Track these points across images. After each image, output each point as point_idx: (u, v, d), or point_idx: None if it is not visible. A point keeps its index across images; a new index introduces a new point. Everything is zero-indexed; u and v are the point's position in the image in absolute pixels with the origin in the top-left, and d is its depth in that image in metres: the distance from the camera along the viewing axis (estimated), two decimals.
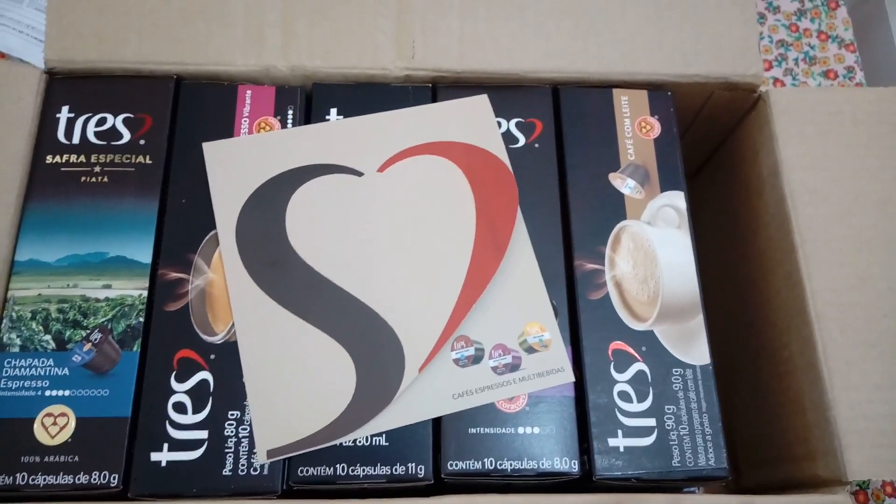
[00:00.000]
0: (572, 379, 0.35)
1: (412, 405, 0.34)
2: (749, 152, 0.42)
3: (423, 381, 0.34)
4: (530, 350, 0.35)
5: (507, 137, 0.39)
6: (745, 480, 0.43)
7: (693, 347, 0.36)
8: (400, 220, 0.37)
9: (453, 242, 0.36)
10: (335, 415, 0.33)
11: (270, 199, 0.36)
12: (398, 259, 0.36)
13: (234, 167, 0.37)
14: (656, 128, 0.40)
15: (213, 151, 0.37)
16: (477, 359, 0.35)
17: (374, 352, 0.34)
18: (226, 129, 0.38)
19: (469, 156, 0.38)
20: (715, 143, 0.47)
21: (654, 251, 0.37)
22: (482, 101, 0.39)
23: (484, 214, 0.37)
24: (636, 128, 0.40)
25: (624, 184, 0.38)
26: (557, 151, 0.39)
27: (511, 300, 0.36)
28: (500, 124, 0.39)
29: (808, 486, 0.36)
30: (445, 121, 0.39)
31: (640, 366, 0.35)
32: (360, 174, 0.37)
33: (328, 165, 0.37)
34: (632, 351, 0.35)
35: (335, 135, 0.38)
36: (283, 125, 0.38)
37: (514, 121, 0.39)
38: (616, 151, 0.39)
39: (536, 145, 0.39)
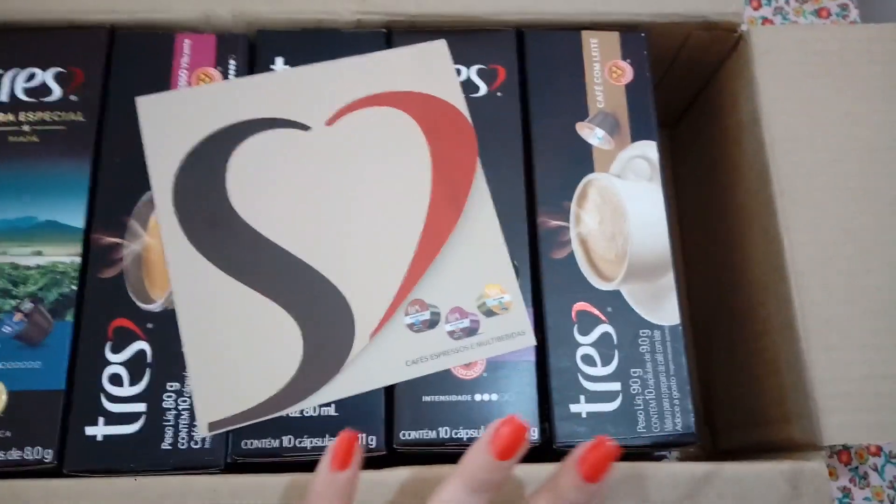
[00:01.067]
0: (534, 342, 0.33)
1: (363, 373, 0.32)
2: (729, 98, 0.39)
3: (374, 347, 0.32)
4: (489, 313, 0.33)
5: (468, 86, 0.36)
6: (723, 443, 0.41)
7: (662, 307, 0.33)
8: (349, 177, 0.34)
9: (407, 200, 0.34)
10: (281, 384, 0.31)
11: (210, 156, 0.34)
12: (348, 219, 0.34)
13: (170, 123, 0.34)
14: (628, 73, 0.37)
15: (148, 106, 0.35)
16: (432, 323, 0.33)
17: (322, 318, 0.32)
18: (163, 82, 0.35)
19: (425, 106, 0.35)
20: (694, 90, 0.44)
21: (622, 206, 0.35)
22: (440, 47, 0.36)
23: (440, 169, 0.34)
24: (606, 73, 0.37)
25: (592, 134, 0.36)
26: (521, 100, 0.36)
27: (469, 260, 0.34)
28: (459, 72, 0.36)
29: (783, 450, 0.34)
30: (400, 69, 0.36)
31: (605, 327, 0.33)
32: (306, 128, 0.35)
33: (272, 119, 0.35)
34: (597, 312, 0.33)
35: (280, 86, 0.35)
36: (225, 76, 0.36)
37: (474, 68, 0.37)
38: (584, 99, 0.36)
39: (499, 94, 0.36)
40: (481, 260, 0.34)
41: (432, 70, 0.36)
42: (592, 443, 0.25)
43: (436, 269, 0.33)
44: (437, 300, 0.33)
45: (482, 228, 0.34)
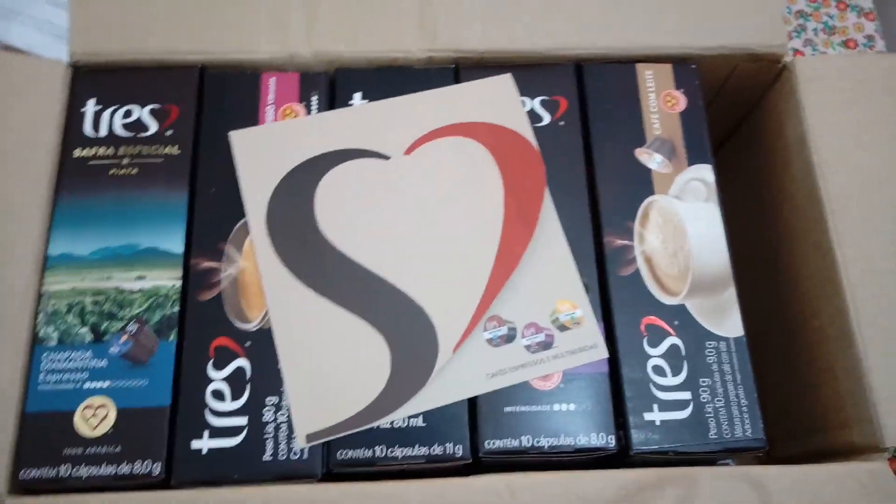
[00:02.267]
0: (606, 355, 0.35)
1: (447, 385, 0.34)
2: (774, 123, 0.42)
3: (457, 361, 0.34)
4: (562, 328, 0.35)
5: (532, 116, 0.39)
6: (778, 451, 0.43)
7: (726, 320, 0.36)
8: (428, 202, 0.37)
9: (482, 223, 0.36)
10: (371, 397, 0.33)
11: (299, 185, 0.36)
12: (428, 241, 0.36)
13: (261, 155, 0.37)
14: (681, 101, 0.39)
15: (240, 140, 0.37)
16: (510, 338, 0.35)
17: (408, 334, 0.34)
18: (251, 117, 0.38)
19: (495, 135, 0.38)
20: (739, 116, 0.46)
21: (682, 225, 0.37)
22: (506, 81, 0.39)
23: (512, 193, 0.37)
24: (661, 102, 0.39)
25: (651, 159, 0.38)
26: (583, 128, 0.39)
27: (541, 278, 0.36)
28: (524, 103, 0.39)
29: (842, 455, 0.36)
30: (469, 101, 0.39)
31: (673, 340, 0.35)
32: (386, 157, 0.37)
33: (354, 150, 0.37)
34: (664, 325, 0.35)
35: (360, 119, 0.38)
36: (308, 111, 0.38)
37: (538, 99, 0.39)
38: (641, 126, 0.39)
39: (561, 123, 0.39)
40: (552, 277, 0.36)
41: (499, 102, 0.39)
42: None
43: (511, 287, 0.36)
44: (513, 316, 0.35)
45: (552, 248, 0.36)
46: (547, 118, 0.39)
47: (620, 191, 0.38)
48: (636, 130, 0.39)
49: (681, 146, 0.38)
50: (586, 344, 0.35)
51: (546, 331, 0.35)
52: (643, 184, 0.38)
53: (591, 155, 0.38)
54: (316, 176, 0.37)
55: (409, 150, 0.37)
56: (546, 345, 0.35)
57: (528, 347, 0.35)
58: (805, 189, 0.39)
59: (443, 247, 0.36)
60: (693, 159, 0.38)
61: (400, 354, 0.34)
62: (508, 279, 0.35)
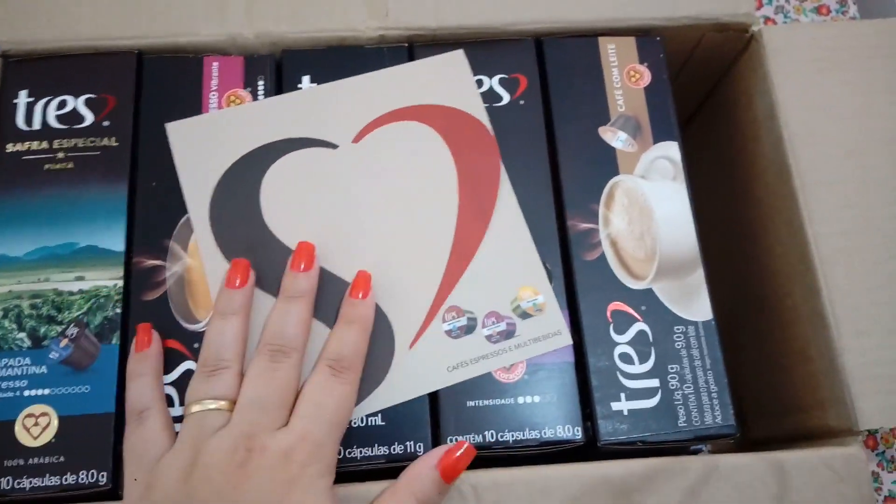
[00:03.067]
0: (570, 341, 0.33)
1: (406, 382, 0.32)
2: (743, 95, 0.40)
3: (415, 356, 0.33)
4: (524, 315, 0.34)
5: (491, 95, 0.37)
6: (753, 433, 0.42)
7: (694, 303, 0.34)
8: (379, 193, 0.35)
9: (436, 211, 0.35)
10: None
11: (243, 179, 0.35)
12: (380, 233, 0.34)
13: (201, 147, 0.35)
14: (646, 76, 0.38)
15: (178, 132, 0.35)
16: (470, 328, 0.33)
17: None
18: (194, 105, 0.36)
19: (447, 119, 0.36)
20: (707, 89, 0.45)
21: (649, 206, 0.36)
22: (458, 57, 0.37)
23: (466, 180, 0.35)
24: (625, 77, 0.38)
25: (615, 137, 0.37)
26: (544, 107, 0.37)
27: (501, 265, 0.34)
28: (482, 82, 0.37)
29: (817, 437, 0.35)
30: (420, 81, 0.37)
31: (640, 326, 0.34)
32: (334, 146, 0.35)
33: (300, 139, 0.35)
34: (631, 311, 0.34)
35: (305, 106, 0.36)
36: (255, 97, 0.36)
37: (496, 77, 0.37)
38: (605, 103, 0.37)
39: (521, 102, 0.37)
40: (513, 264, 0.34)
41: (452, 81, 0.37)
42: (455, 445, 0.30)
43: (469, 275, 0.34)
44: (473, 306, 0.34)
45: (511, 233, 0.35)
46: (506, 97, 0.37)
47: (584, 171, 0.36)
48: (599, 108, 0.37)
49: (646, 123, 0.37)
50: (550, 331, 0.34)
51: (507, 319, 0.34)
52: (607, 163, 0.36)
53: (553, 134, 0.37)
54: (260, 169, 0.35)
55: (357, 138, 0.36)
56: (508, 334, 0.33)
57: (489, 337, 0.33)
58: (775, 164, 0.37)
59: (396, 239, 0.34)
60: (659, 136, 0.37)
61: None
62: (466, 268, 0.34)
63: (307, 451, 0.29)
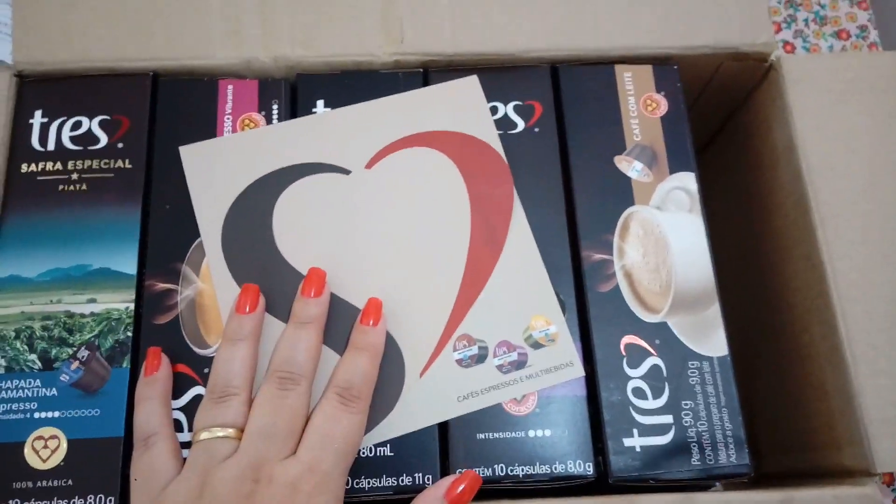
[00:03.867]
0: (582, 373, 0.33)
1: (415, 411, 0.32)
2: (761, 125, 0.40)
3: (425, 385, 0.33)
4: (536, 345, 0.33)
5: (505, 122, 0.37)
6: (766, 467, 0.41)
7: (709, 338, 0.34)
8: (391, 220, 0.35)
9: (448, 239, 0.34)
10: None
11: (255, 204, 0.34)
12: (392, 260, 0.34)
13: (214, 171, 0.35)
14: (663, 105, 0.37)
15: (191, 155, 0.35)
16: (481, 358, 0.33)
17: None
18: (208, 127, 0.36)
19: (460, 146, 0.36)
20: (723, 117, 0.44)
21: (665, 237, 0.35)
22: (471, 83, 0.37)
23: (479, 208, 0.35)
24: (641, 106, 0.37)
25: (630, 167, 0.36)
26: (559, 135, 0.37)
27: (513, 294, 0.34)
28: (496, 109, 0.37)
29: (832, 476, 0.35)
30: (433, 107, 0.36)
31: (654, 360, 0.33)
32: (347, 172, 0.35)
33: (313, 164, 0.35)
34: (645, 345, 0.34)
35: (318, 130, 0.36)
36: (269, 121, 0.36)
37: (511, 104, 0.37)
38: (621, 132, 0.37)
39: (536, 129, 0.37)
40: (525, 293, 0.34)
41: (466, 107, 0.37)
42: (462, 475, 0.30)
43: (481, 304, 0.34)
44: (484, 335, 0.34)
45: (524, 262, 0.34)
46: (521, 125, 0.37)
47: (598, 201, 0.36)
48: (615, 137, 0.37)
49: (662, 153, 0.37)
50: (562, 362, 0.33)
51: (519, 349, 0.33)
52: (622, 193, 0.36)
53: (568, 163, 0.36)
54: (273, 194, 0.35)
55: (370, 164, 0.35)
56: (519, 364, 0.33)
57: (500, 367, 0.33)
58: (794, 197, 0.37)
59: (407, 266, 0.34)
60: (675, 167, 0.36)
61: None
62: (478, 297, 0.34)
63: (314, 482, 0.28)
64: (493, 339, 0.33)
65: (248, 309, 0.31)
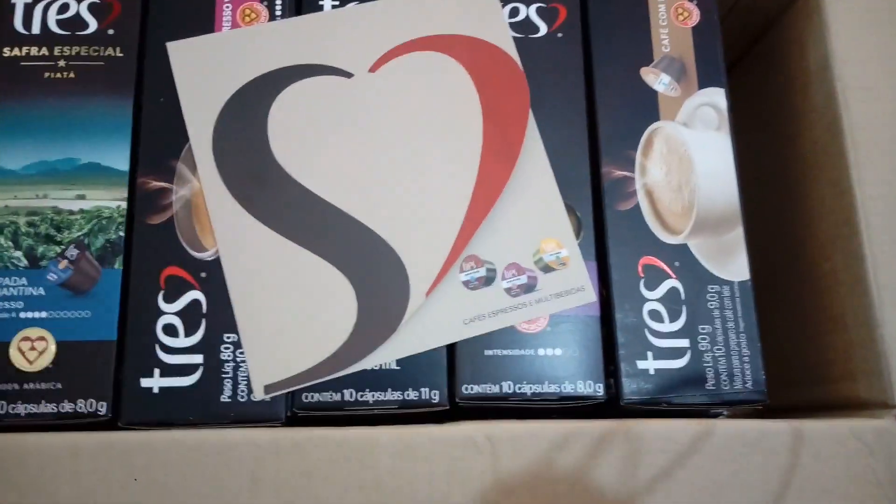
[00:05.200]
0: (594, 298, 0.32)
1: (420, 332, 0.31)
2: (794, 44, 0.38)
3: (430, 306, 0.31)
4: (547, 269, 0.32)
5: (527, 25, 0.34)
6: (775, 400, 0.40)
7: (731, 262, 0.32)
8: (396, 128, 0.32)
9: (458, 152, 0.32)
10: (336, 345, 0.30)
11: (249, 106, 0.32)
12: (397, 172, 0.32)
13: (205, 70, 0.32)
14: (695, 14, 0.35)
15: (180, 52, 0.32)
16: (489, 280, 0.32)
17: (376, 276, 0.31)
18: (205, 17, 0.33)
19: (473, 51, 0.33)
20: (753, 35, 0.42)
21: (689, 156, 0.33)
22: None
23: (492, 119, 0.33)
24: (672, 14, 0.35)
25: (657, 80, 0.34)
26: (583, 42, 0.34)
27: (524, 215, 0.32)
28: (517, 10, 0.34)
29: (844, 408, 0.34)
30: (444, 9, 0.34)
31: (672, 282, 0.32)
32: (349, 75, 0.33)
33: (313, 66, 0.33)
34: (664, 266, 0.32)
35: (318, 30, 0.33)
36: (271, 12, 0.33)
37: (534, 6, 0.35)
38: (649, 42, 0.35)
39: (559, 35, 0.34)
40: (537, 214, 0.32)
41: (479, 10, 0.34)
42: None
43: (490, 224, 0.32)
44: (493, 256, 0.32)
45: (536, 181, 0.33)
46: (543, 28, 0.34)
47: (622, 115, 0.34)
48: (643, 47, 0.35)
49: (692, 66, 0.34)
50: (573, 286, 0.32)
51: (529, 272, 0.32)
52: (648, 108, 0.34)
53: (591, 73, 0.34)
54: (269, 96, 0.32)
55: (374, 67, 0.33)
56: (528, 287, 0.32)
57: (508, 290, 0.32)
58: (825, 119, 0.35)
59: (413, 178, 0.32)
60: (704, 82, 0.34)
61: (367, 298, 0.31)
62: (487, 215, 0.32)
63: None
64: (501, 261, 0.32)
65: None
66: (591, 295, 0.32)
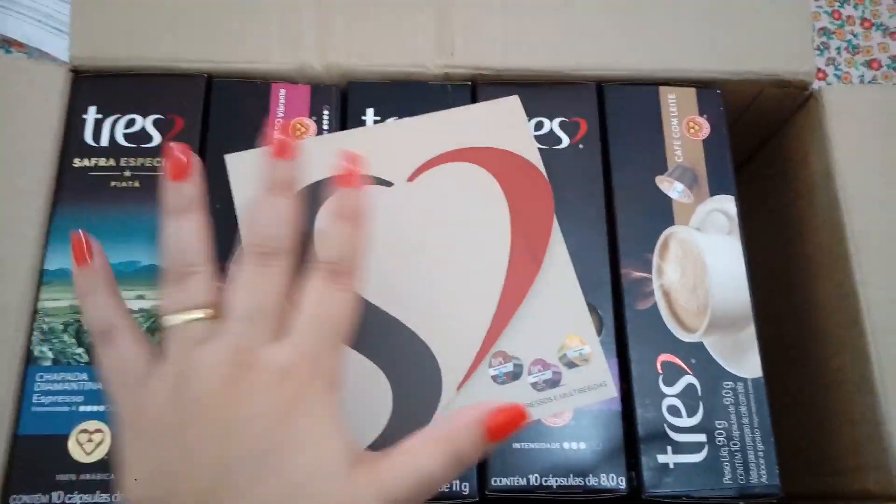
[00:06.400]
0: (615, 394, 0.33)
1: None
2: (798, 152, 0.41)
3: (461, 400, 0.33)
4: (570, 364, 0.34)
5: (551, 138, 0.37)
6: (789, 489, 0.42)
7: (744, 359, 0.35)
8: (432, 233, 0.35)
9: (488, 254, 0.35)
10: (372, 437, 0.32)
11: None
12: (431, 273, 0.34)
13: (258, 180, 0.35)
14: (705, 128, 0.38)
15: (236, 163, 0.35)
16: (516, 375, 0.33)
17: (411, 371, 0.33)
18: (260, 131, 0.36)
19: (502, 161, 0.36)
20: (759, 142, 0.45)
21: (703, 259, 0.36)
22: (513, 103, 0.37)
23: (519, 224, 0.35)
24: (684, 128, 0.38)
25: (672, 187, 0.37)
26: (602, 153, 0.37)
27: (549, 313, 0.34)
28: (542, 124, 0.38)
29: (855, 499, 0.36)
30: (476, 124, 0.37)
31: (689, 379, 0.34)
32: (389, 184, 0.36)
33: None
34: (681, 363, 0.34)
35: (362, 143, 0.36)
36: (319, 126, 0.37)
37: (557, 120, 0.38)
38: (663, 153, 0.38)
39: (581, 146, 0.37)
40: (561, 312, 0.34)
41: (508, 125, 0.37)
42: (507, 406, 0.26)
43: (517, 321, 0.34)
44: (520, 352, 0.34)
45: (561, 282, 0.35)
46: (566, 140, 0.37)
47: (639, 220, 0.36)
48: (657, 157, 0.37)
49: (703, 175, 0.37)
50: (595, 382, 0.34)
51: (553, 368, 0.34)
52: (663, 213, 0.37)
53: (610, 181, 0.37)
54: (316, 202, 0.35)
55: (412, 177, 0.36)
56: (553, 382, 0.33)
57: (534, 385, 0.33)
58: (829, 224, 0.37)
59: (447, 279, 0.34)
60: (715, 189, 0.37)
61: (402, 392, 0.33)
62: (515, 314, 0.34)
63: (307, 368, 0.25)
64: (528, 357, 0.34)
65: (184, 170, 0.27)
66: (612, 390, 0.34)
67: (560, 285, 0.35)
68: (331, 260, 0.27)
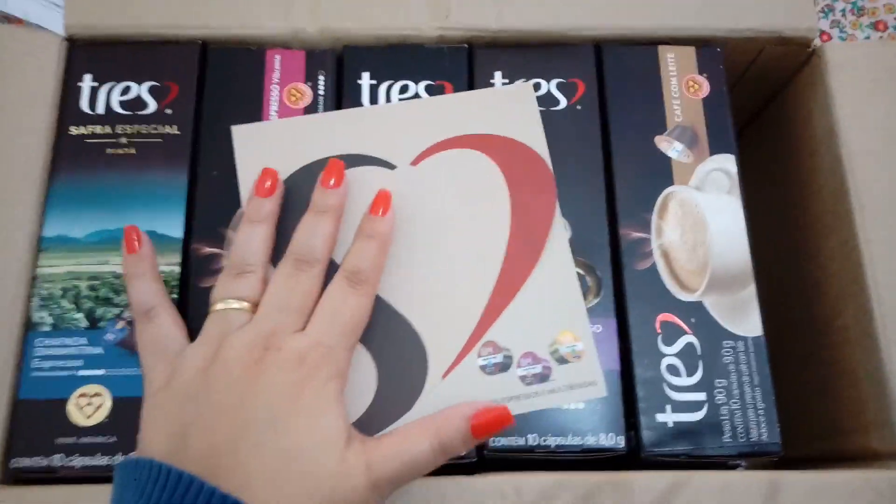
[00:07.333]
0: (604, 394, 0.32)
1: (433, 412, 0.31)
2: (801, 111, 0.40)
3: (446, 387, 0.32)
4: (562, 360, 0.33)
5: (548, 99, 0.37)
6: (791, 452, 0.41)
7: (744, 318, 0.34)
8: (431, 218, 0.34)
9: (486, 244, 0.34)
10: (354, 417, 0.32)
11: (300, 189, 0.34)
12: (426, 258, 0.34)
13: (263, 153, 0.35)
14: (705, 87, 0.38)
15: (242, 135, 0.35)
16: (504, 366, 0.33)
17: (396, 354, 0.32)
18: (255, 97, 0.36)
19: (507, 150, 0.36)
20: (762, 102, 0.44)
21: (703, 218, 0.35)
22: (526, 90, 0.37)
23: (520, 214, 0.35)
24: (684, 87, 0.38)
25: (671, 147, 0.37)
26: (600, 113, 0.37)
27: (544, 306, 0.33)
28: (539, 85, 0.37)
29: (858, 459, 0.35)
30: (484, 110, 0.36)
31: (689, 338, 0.34)
32: (392, 167, 0.35)
33: (361, 156, 0.35)
34: (680, 323, 0.34)
35: (368, 123, 0.36)
36: (315, 91, 0.36)
37: (554, 81, 0.37)
38: (662, 112, 0.37)
39: (578, 107, 0.37)
40: (556, 306, 0.33)
41: (516, 113, 0.36)
42: (494, 408, 0.30)
43: (510, 312, 0.33)
44: (511, 344, 0.33)
45: (558, 275, 0.34)
46: (563, 102, 0.37)
47: (638, 180, 0.36)
48: (656, 117, 0.37)
49: (703, 134, 0.37)
50: (585, 380, 0.32)
51: (544, 362, 0.33)
52: (662, 173, 0.36)
53: (609, 142, 0.37)
54: (318, 181, 0.35)
55: (416, 161, 0.35)
56: (542, 377, 0.33)
57: (522, 378, 0.33)
58: (832, 182, 0.37)
59: (442, 265, 0.34)
60: (715, 148, 0.37)
61: (387, 375, 0.32)
62: (509, 304, 0.33)
63: (320, 354, 0.29)
64: (518, 349, 0.33)
65: (267, 191, 0.32)
66: (601, 390, 0.32)
67: (557, 279, 0.34)
68: (355, 269, 0.31)
